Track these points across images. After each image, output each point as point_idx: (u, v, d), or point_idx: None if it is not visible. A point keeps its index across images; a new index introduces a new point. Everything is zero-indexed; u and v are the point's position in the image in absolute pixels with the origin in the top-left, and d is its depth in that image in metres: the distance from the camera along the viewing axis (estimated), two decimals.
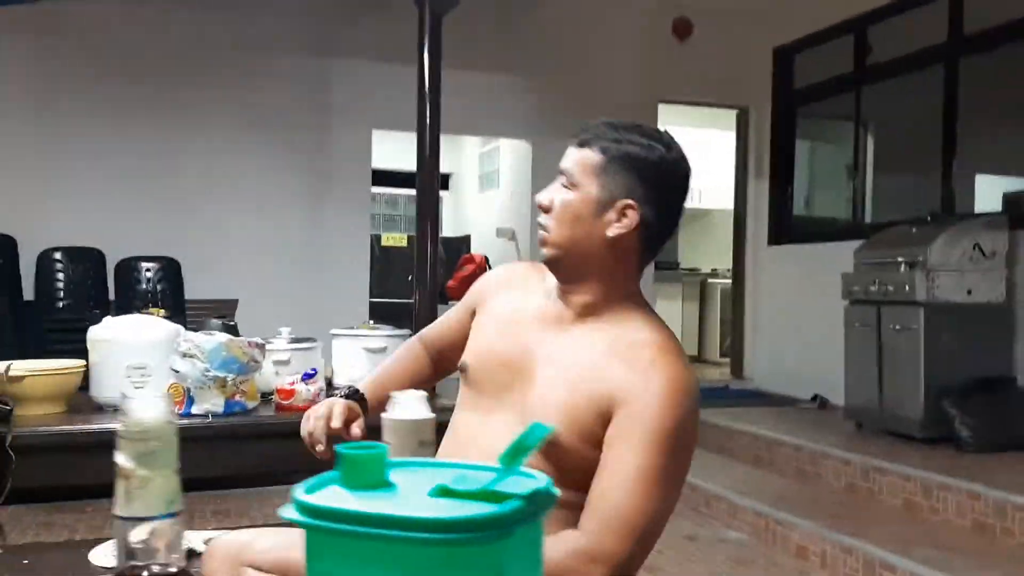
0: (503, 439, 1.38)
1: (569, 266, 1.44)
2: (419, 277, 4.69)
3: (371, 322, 3.20)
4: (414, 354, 1.80)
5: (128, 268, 5.50)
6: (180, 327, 2.70)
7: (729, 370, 7.47)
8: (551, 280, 1.51)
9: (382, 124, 6.19)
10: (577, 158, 1.43)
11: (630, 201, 1.39)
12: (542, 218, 1.47)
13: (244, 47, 5.75)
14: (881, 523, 3.74)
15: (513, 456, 0.52)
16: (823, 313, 5.60)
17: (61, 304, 5.38)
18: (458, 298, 4.10)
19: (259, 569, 1.45)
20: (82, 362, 2.59)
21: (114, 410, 2.54)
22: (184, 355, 2.47)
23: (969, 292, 4.52)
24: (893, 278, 4.64)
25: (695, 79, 6.70)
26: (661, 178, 1.41)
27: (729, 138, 7.52)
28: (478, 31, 5.89)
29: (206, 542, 2.24)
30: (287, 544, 1.47)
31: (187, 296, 5.62)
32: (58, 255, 5.38)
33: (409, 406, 0.74)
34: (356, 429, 1.58)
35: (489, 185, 7.78)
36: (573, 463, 1.35)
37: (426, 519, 0.40)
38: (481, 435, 1.48)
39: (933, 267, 4.48)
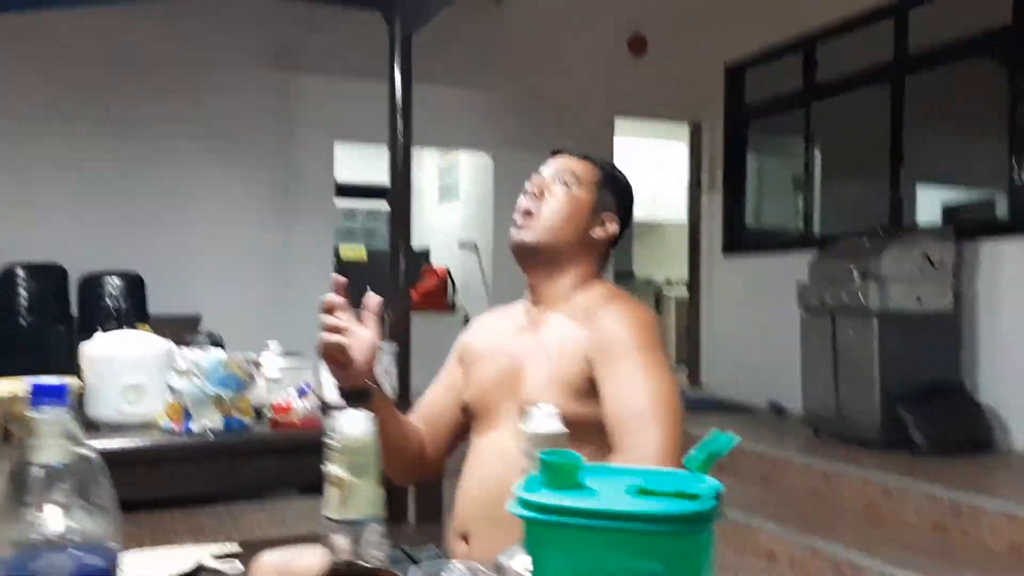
0: (511, 449, 1.49)
1: (548, 252, 1.61)
2: (393, 289, 4.75)
3: None
4: (418, 427, 1.71)
5: (91, 283, 5.45)
6: (172, 344, 2.73)
7: (686, 378, 7.63)
8: (519, 304, 1.69)
9: (344, 136, 6.24)
10: (579, 165, 1.65)
11: (611, 213, 1.66)
12: (530, 204, 1.61)
13: (205, 61, 5.76)
14: (845, 525, 3.90)
15: (706, 462, 0.61)
16: (777, 322, 5.78)
17: (23, 321, 5.31)
18: (419, 309, 4.12)
19: None
20: (79, 382, 2.60)
21: (108, 428, 2.57)
22: (181, 373, 2.51)
23: (919, 300, 4.72)
24: (847, 288, 4.83)
25: (650, 94, 6.87)
26: (628, 203, 1.71)
27: (680, 149, 7.71)
28: (440, 45, 5.97)
29: (216, 557, 2.30)
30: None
31: (151, 311, 5.58)
32: (19, 271, 5.31)
33: (544, 421, 0.83)
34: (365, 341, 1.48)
35: (449, 197, 7.85)
36: (581, 425, 1.38)
37: (653, 512, 0.49)
38: (490, 448, 1.58)
39: (885, 277, 4.67)
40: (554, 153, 1.71)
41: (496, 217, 6.78)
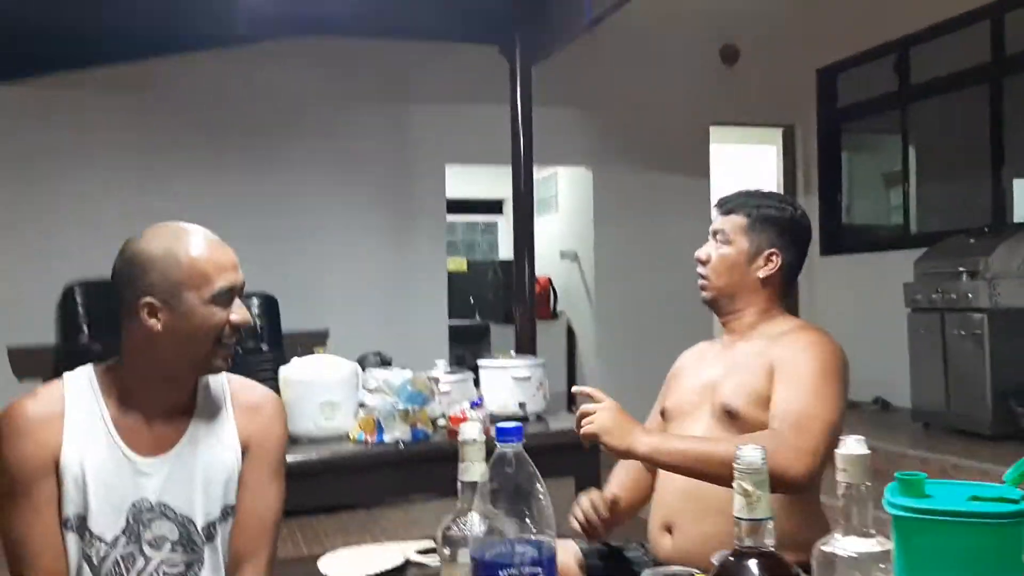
0: (701, 426, 1.79)
1: (726, 303, 1.92)
2: (519, 299, 5.06)
3: (512, 352, 3.56)
4: (637, 470, 2.00)
5: None
6: (357, 365, 3.07)
7: None
8: (716, 340, 2.00)
9: (454, 159, 6.58)
10: (727, 221, 1.92)
11: (774, 250, 1.89)
12: (700, 269, 1.94)
13: (330, 97, 6.15)
14: None
15: (1017, 479, 0.87)
16: (880, 320, 5.91)
17: None
18: None
19: None
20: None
21: (308, 441, 2.91)
22: (372, 391, 2.84)
23: None
24: (955, 287, 4.98)
25: (743, 101, 7.05)
26: (793, 230, 1.93)
27: (773, 153, 7.86)
28: (542, 67, 6.27)
29: (420, 552, 2.62)
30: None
31: (283, 328, 5.99)
32: None
33: (855, 446, 1.05)
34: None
35: (546, 210, 8.13)
36: (747, 422, 1.76)
37: (991, 512, 0.76)
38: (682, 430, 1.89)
39: (994, 275, 4.80)
40: (716, 207, 1.98)
41: (596, 228, 7.03)
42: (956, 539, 0.79)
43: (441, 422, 2.98)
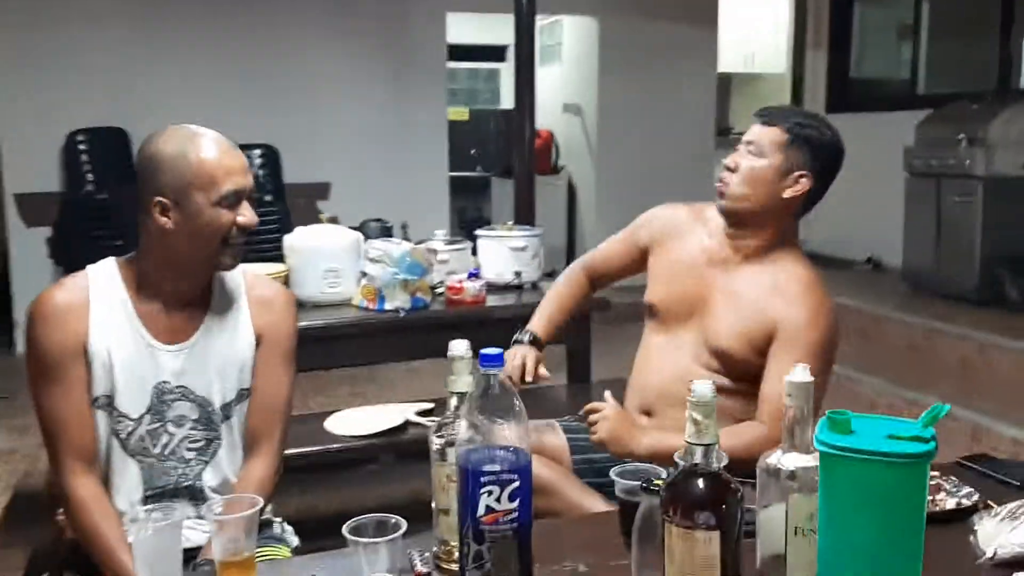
0: (687, 356, 1.90)
1: (743, 217, 1.88)
2: (518, 155, 5.10)
3: (510, 223, 3.64)
4: (578, 283, 2.27)
5: None
6: (359, 234, 3.16)
7: None
8: (712, 222, 1.95)
9: (455, 6, 6.44)
10: (765, 133, 1.87)
11: (805, 172, 1.84)
12: (725, 175, 1.89)
13: None
14: (941, 379, 4.25)
15: (928, 422, 0.98)
16: (880, 181, 5.94)
17: None
18: None
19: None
20: (285, 267, 3.06)
21: (313, 306, 3.03)
22: (373, 260, 2.94)
23: None
24: (953, 153, 4.99)
25: None
26: (828, 156, 1.88)
27: (783, 3, 7.67)
28: None
29: (418, 413, 2.80)
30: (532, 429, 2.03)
31: (285, 180, 6.05)
32: None
33: (801, 374, 1.17)
34: (543, 371, 2.07)
35: (550, 59, 7.99)
36: (742, 368, 1.87)
37: (892, 454, 0.88)
38: (669, 353, 1.98)
39: (992, 143, 4.82)
40: (755, 116, 1.91)
41: (600, 79, 6.95)
42: (870, 474, 0.90)
43: (440, 290, 3.10)
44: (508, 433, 1.11)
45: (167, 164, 1.47)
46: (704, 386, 1.00)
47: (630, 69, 6.85)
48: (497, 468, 1.09)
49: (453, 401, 1.22)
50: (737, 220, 1.89)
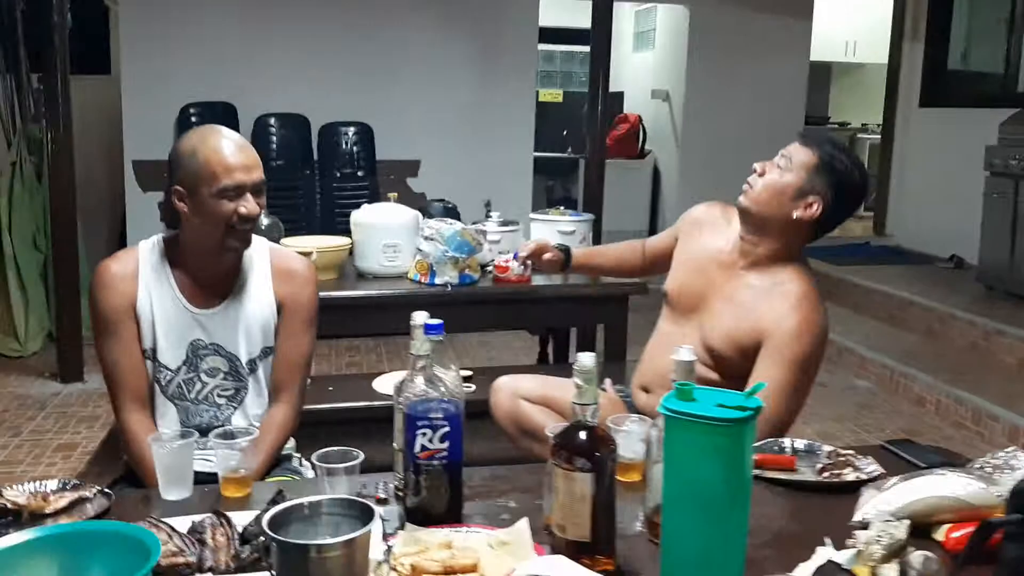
0: (686, 344, 2.09)
1: (755, 221, 2.02)
2: (590, 137, 5.26)
3: (562, 208, 3.85)
4: (632, 247, 2.56)
5: (329, 132, 6.28)
6: (419, 213, 3.44)
7: (872, 225, 7.82)
8: (735, 226, 2.10)
9: None
10: (799, 152, 1.99)
11: (819, 198, 1.96)
12: (752, 178, 2.04)
13: None
14: (995, 379, 4.27)
15: (749, 393, 1.17)
16: (967, 178, 5.88)
17: (274, 164, 6.23)
18: (612, 156, 5.03)
19: (528, 400, 2.26)
20: (349, 240, 3.36)
21: (373, 278, 3.33)
22: (427, 238, 3.21)
23: None
24: None
25: None
26: (847, 192, 1.99)
27: None
28: None
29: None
30: (542, 385, 2.27)
31: (378, 157, 6.39)
32: (272, 120, 6.20)
33: (685, 354, 1.37)
34: (547, 256, 2.54)
35: (643, 45, 8.11)
36: (730, 368, 2.02)
37: (718, 418, 1.08)
38: (674, 340, 2.14)
39: None
40: (798, 136, 2.04)
41: (689, 68, 7.05)
42: (701, 436, 1.11)
43: (489, 268, 3.35)
44: (444, 389, 1.36)
45: (183, 159, 1.76)
46: (587, 357, 1.22)
47: (719, 57, 6.92)
48: (431, 416, 1.34)
49: (414, 363, 1.46)
50: (750, 222, 2.02)
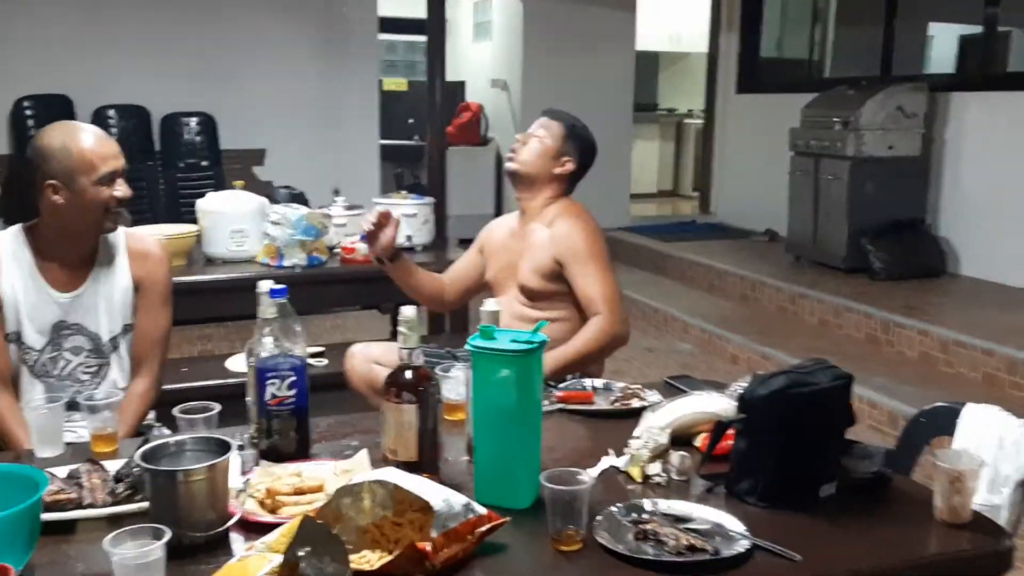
0: (513, 301, 2.41)
1: (525, 180, 2.48)
2: (430, 125, 5.46)
3: (404, 192, 4.09)
4: (434, 276, 2.73)
5: (171, 123, 6.28)
6: (265, 199, 3.60)
7: (698, 204, 8.42)
8: (514, 213, 2.56)
9: None
10: (552, 124, 2.49)
11: (571, 158, 2.48)
12: (516, 145, 2.50)
13: None
14: (797, 337, 4.80)
15: (534, 331, 1.45)
16: (777, 158, 6.45)
17: None
18: (456, 143, 5.38)
19: (379, 364, 2.51)
20: (196, 227, 3.49)
21: (222, 263, 3.48)
22: (274, 223, 3.38)
23: (890, 147, 5.41)
24: (829, 135, 5.52)
25: None
26: (589, 151, 2.52)
27: None
28: None
29: (312, 355, 3.25)
30: (391, 350, 2.53)
31: (222, 147, 6.43)
32: (110, 112, 6.14)
33: (491, 305, 1.66)
34: (389, 231, 2.53)
35: (483, 36, 8.40)
36: (543, 296, 2.42)
37: (509, 350, 1.35)
38: (504, 307, 2.45)
39: (862, 127, 5.34)
40: (544, 113, 2.52)
41: (525, 58, 7.39)
42: (497, 366, 1.39)
43: (336, 250, 3.55)
44: (289, 344, 1.59)
45: (54, 154, 1.89)
46: (409, 309, 1.48)
47: (553, 47, 7.30)
48: (280, 368, 1.56)
49: (261, 325, 1.68)
50: (519, 182, 2.48)
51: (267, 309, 1.63)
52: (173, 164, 6.30)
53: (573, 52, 7.34)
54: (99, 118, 6.10)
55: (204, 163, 6.31)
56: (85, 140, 1.91)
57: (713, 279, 5.94)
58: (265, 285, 1.66)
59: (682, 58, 10.09)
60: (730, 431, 1.49)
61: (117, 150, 1.96)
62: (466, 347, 1.42)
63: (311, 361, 3.28)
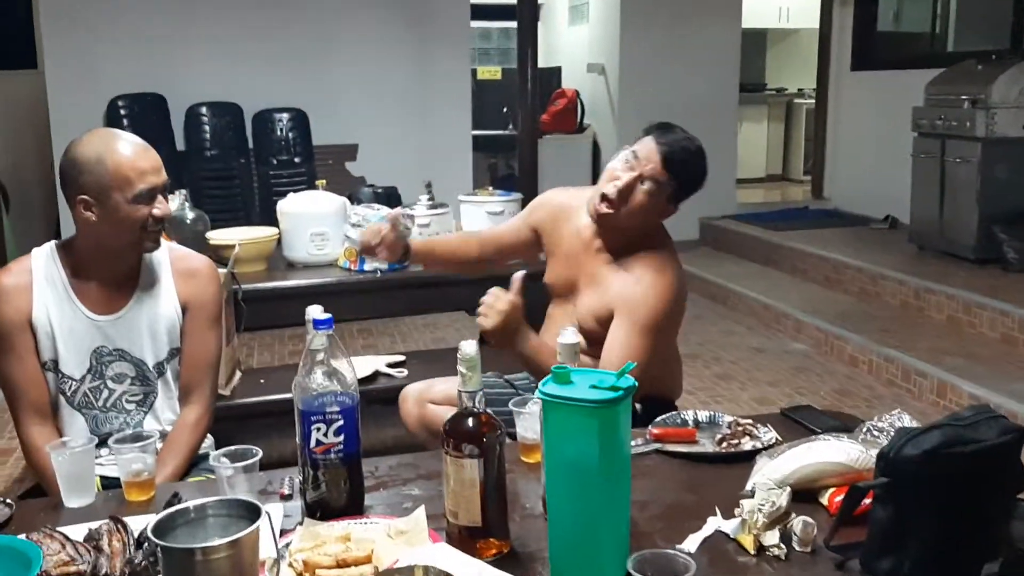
0: (566, 323, 2.10)
1: (618, 227, 2.03)
2: (521, 114, 5.20)
3: (490, 188, 3.86)
4: (464, 238, 2.55)
5: (263, 119, 6.21)
6: (346, 200, 3.43)
7: (810, 189, 7.94)
8: (581, 206, 2.13)
9: None
10: (662, 172, 1.97)
11: (675, 205, 2.03)
12: (612, 188, 2.00)
13: None
14: (924, 337, 4.37)
15: (620, 374, 1.20)
16: (897, 139, 5.97)
17: (208, 154, 6.15)
18: (550, 131, 4.94)
19: (434, 403, 2.27)
20: (276, 230, 3.34)
21: (303, 267, 3.32)
22: (354, 225, 3.20)
23: None
24: (957, 114, 5.04)
25: None
26: (692, 183, 2.03)
27: None
28: None
29: (389, 365, 3.07)
30: (452, 384, 2.29)
31: (314, 143, 6.33)
32: (203, 110, 6.11)
33: (570, 336, 1.38)
34: (385, 253, 2.29)
35: (579, 19, 8.10)
36: (598, 340, 2.01)
37: (590, 400, 1.10)
38: (558, 320, 2.17)
39: (993, 105, 4.85)
40: (651, 135, 2.00)
41: (623, 40, 7.06)
42: (575, 417, 1.13)
43: None
44: (339, 380, 1.37)
45: (88, 167, 1.72)
46: (469, 344, 1.24)
47: (652, 27, 6.95)
48: (325, 410, 1.35)
49: (309, 359, 1.47)
50: (609, 226, 2.05)
51: (317, 340, 1.42)
52: (266, 161, 6.23)
53: (674, 32, 6.97)
54: (192, 115, 6.08)
55: (296, 160, 6.22)
56: (123, 153, 1.73)
57: (828, 271, 5.53)
58: (313, 311, 1.45)
59: (791, 34, 9.55)
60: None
61: (158, 164, 1.77)
62: (537, 394, 1.17)
63: (391, 372, 3.12)
